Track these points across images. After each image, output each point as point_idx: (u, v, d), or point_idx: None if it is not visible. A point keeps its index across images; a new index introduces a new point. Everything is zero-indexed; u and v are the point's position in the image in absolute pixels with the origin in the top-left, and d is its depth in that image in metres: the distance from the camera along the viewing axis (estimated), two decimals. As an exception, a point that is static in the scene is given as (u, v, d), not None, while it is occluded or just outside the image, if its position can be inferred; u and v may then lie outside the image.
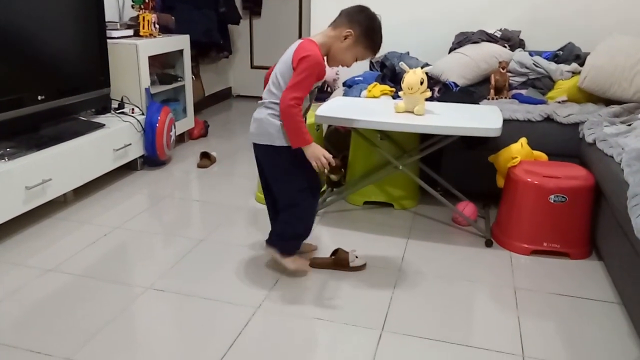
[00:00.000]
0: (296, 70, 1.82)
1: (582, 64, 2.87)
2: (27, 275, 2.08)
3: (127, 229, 2.50)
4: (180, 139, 3.87)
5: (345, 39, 1.90)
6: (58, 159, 2.58)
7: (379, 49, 1.99)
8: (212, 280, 2.08)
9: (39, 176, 2.45)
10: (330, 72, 3.48)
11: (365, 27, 1.91)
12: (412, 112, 2.37)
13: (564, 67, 2.94)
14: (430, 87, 2.93)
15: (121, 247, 2.35)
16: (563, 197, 2.19)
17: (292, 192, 1.98)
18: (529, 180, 2.26)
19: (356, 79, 3.19)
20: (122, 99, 3.30)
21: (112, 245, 2.35)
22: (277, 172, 2.00)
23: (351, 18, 1.90)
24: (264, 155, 1.99)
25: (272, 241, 2.10)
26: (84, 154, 2.76)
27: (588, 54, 2.87)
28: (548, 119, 2.61)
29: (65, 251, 2.27)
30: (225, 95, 5.48)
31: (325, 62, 1.94)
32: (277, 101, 1.87)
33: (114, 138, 2.99)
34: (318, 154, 1.87)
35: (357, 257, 2.15)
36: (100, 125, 2.97)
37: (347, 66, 1.99)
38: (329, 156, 1.89)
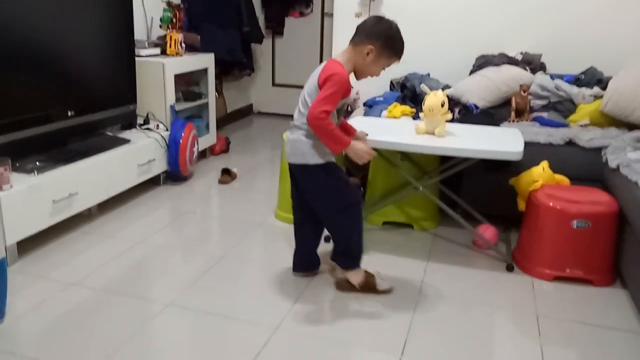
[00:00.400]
0: (323, 87, 1.87)
1: (604, 88, 2.86)
2: (50, 288, 2.12)
3: (149, 244, 2.54)
4: (202, 154, 3.92)
5: (367, 54, 1.93)
6: (84, 174, 2.64)
7: (402, 53, 2.00)
8: (231, 298, 2.09)
9: (65, 190, 2.50)
10: (350, 92, 3.50)
11: (384, 39, 1.93)
12: (432, 133, 2.38)
13: (586, 91, 2.92)
14: (451, 108, 2.94)
15: (143, 262, 2.38)
16: (586, 222, 2.17)
17: (333, 213, 2.05)
18: (551, 204, 2.24)
19: (377, 99, 3.21)
20: (147, 115, 3.37)
21: (134, 259, 2.39)
22: (316, 191, 2.04)
23: (369, 33, 1.92)
24: (301, 174, 2.03)
25: (340, 260, 2.16)
26: (110, 168, 2.81)
27: (610, 77, 2.87)
28: (570, 143, 2.60)
29: (88, 265, 2.31)
30: (246, 112, 5.55)
31: (354, 77, 1.99)
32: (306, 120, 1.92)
33: (139, 153, 3.05)
34: (359, 153, 1.95)
35: (382, 279, 2.15)
36: (126, 141, 3.03)
37: (377, 76, 2.03)
38: (371, 151, 1.97)
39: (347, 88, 1.92)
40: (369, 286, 2.12)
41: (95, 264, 2.32)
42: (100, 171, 2.75)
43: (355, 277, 2.12)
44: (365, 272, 2.14)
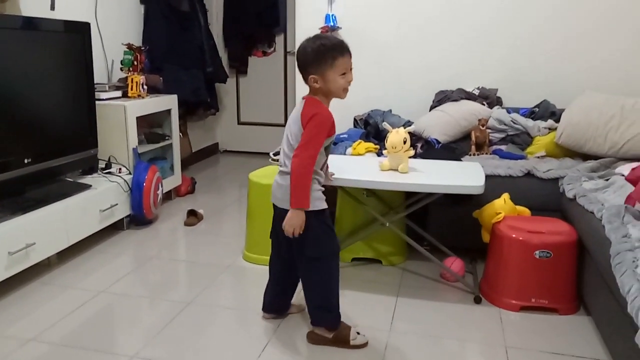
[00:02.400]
0: (306, 128, 1.85)
1: (557, 120, 2.97)
2: (5, 346, 2.01)
3: (112, 293, 2.46)
4: (167, 196, 3.87)
5: (317, 82, 1.88)
6: (43, 222, 2.56)
7: (340, 48, 1.90)
8: (199, 346, 2.04)
9: (22, 241, 2.42)
10: (335, 129, 3.54)
11: (312, 61, 1.87)
12: (396, 170, 2.42)
13: (541, 124, 3.04)
14: (413, 143, 3.01)
15: (105, 312, 2.30)
16: (548, 252, 2.22)
17: (316, 260, 1.97)
18: (514, 236, 2.29)
19: (341, 136, 3.25)
20: (109, 159, 3.31)
21: (96, 310, 2.31)
22: (303, 238, 1.91)
23: (302, 67, 1.91)
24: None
25: (314, 320, 2.07)
26: (70, 216, 2.74)
27: (563, 110, 2.99)
28: (529, 174, 2.67)
29: (47, 318, 2.22)
30: (212, 150, 5.53)
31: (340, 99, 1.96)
32: None
33: (101, 199, 2.99)
34: (299, 224, 1.87)
35: (358, 333, 2.05)
36: (87, 186, 2.97)
37: (350, 80, 1.93)
38: (301, 226, 1.88)
39: (331, 125, 1.90)
40: (343, 339, 2.03)
41: (54, 317, 2.23)
42: (59, 219, 2.67)
43: (338, 335, 2.03)
44: (342, 322, 2.07)
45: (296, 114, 1.91)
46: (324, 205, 1.96)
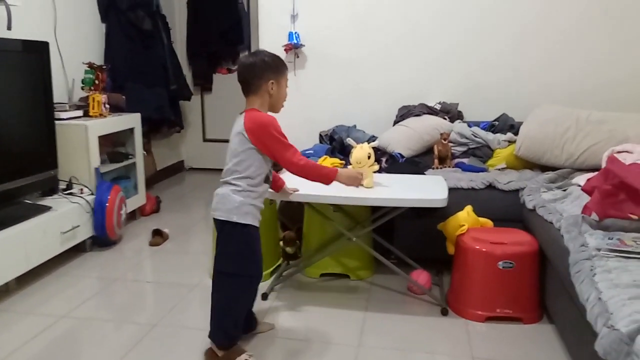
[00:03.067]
0: (268, 139, 1.90)
1: (516, 133, 3.06)
2: (-36, 376, 1.94)
3: (75, 318, 2.39)
4: (132, 216, 3.80)
5: (272, 89, 1.96)
6: (1, 247, 2.48)
7: (285, 66, 2.03)
8: (166, 369, 2.00)
9: (-21, 266, 2.34)
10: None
11: (273, 67, 1.97)
12: (362, 185, 2.44)
13: (501, 137, 3.12)
14: (378, 158, 3.04)
15: (68, 337, 2.23)
16: (511, 263, 2.27)
17: (226, 275, 1.99)
18: (477, 247, 2.34)
19: (307, 152, 3.27)
20: (70, 179, 3.24)
21: (56, 336, 2.23)
22: (223, 248, 1.99)
23: (260, 74, 1.94)
24: (220, 230, 1.98)
25: (211, 333, 2.06)
26: (29, 239, 2.66)
27: (521, 123, 3.08)
28: (490, 187, 2.74)
29: (6, 347, 2.14)
30: (177, 168, 5.46)
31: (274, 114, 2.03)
32: (240, 176, 1.93)
33: (62, 220, 2.91)
34: (352, 177, 2.07)
35: (250, 355, 2.02)
36: (47, 208, 2.89)
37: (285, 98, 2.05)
38: (354, 172, 2.08)
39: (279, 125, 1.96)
40: None
41: (13, 345, 2.15)
42: (18, 242, 2.59)
43: (231, 356, 2.01)
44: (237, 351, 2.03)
45: (238, 127, 1.94)
46: (254, 223, 1.96)
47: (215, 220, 1.98)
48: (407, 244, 2.78)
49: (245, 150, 1.92)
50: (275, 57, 2.00)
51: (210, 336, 2.05)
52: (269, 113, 2.00)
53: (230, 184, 1.94)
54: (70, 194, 3.17)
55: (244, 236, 1.95)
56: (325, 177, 2.03)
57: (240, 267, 1.98)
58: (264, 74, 1.94)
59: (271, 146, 1.92)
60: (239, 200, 1.92)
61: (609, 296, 1.50)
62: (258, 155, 1.93)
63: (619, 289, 1.52)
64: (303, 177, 2.00)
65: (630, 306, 1.41)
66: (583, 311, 1.69)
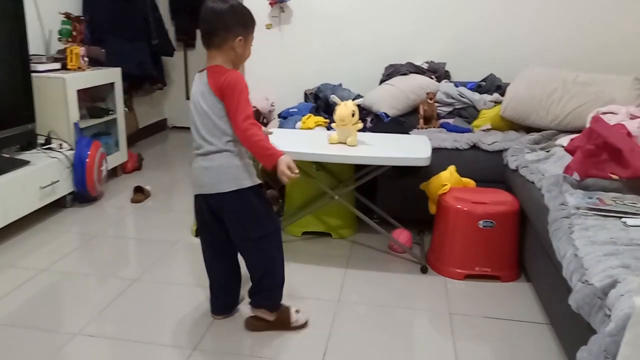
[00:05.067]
0: (229, 95, 1.71)
1: (503, 94, 3.04)
2: (-59, 328, 1.92)
3: (55, 271, 2.38)
4: (113, 173, 3.75)
5: (238, 47, 1.76)
6: (-23, 200, 2.44)
7: (253, 21, 1.82)
8: (145, 322, 2.00)
9: (-45, 219, 2.30)
10: (265, 104, 3.50)
11: (242, 22, 1.77)
12: (345, 143, 2.42)
13: (487, 97, 3.10)
14: (363, 117, 3.01)
15: (48, 291, 2.22)
16: (491, 222, 2.29)
17: (260, 239, 1.86)
18: (459, 206, 2.34)
19: (291, 110, 3.22)
20: (49, 134, 3.17)
21: (37, 289, 2.22)
22: (245, 217, 1.82)
23: (227, 27, 1.73)
24: (229, 203, 1.80)
25: (257, 301, 1.95)
26: (7, 193, 2.61)
27: (508, 84, 3.06)
28: (474, 147, 2.73)
29: (-15, 299, 2.13)
30: (160, 127, 5.38)
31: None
32: (230, 139, 1.77)
33: (40, 175, 2.86)
34: (288, 167, 1.73)
35: (297, 311, 1.99)
36: (25, 162, 2.84)
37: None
38: (293, 165, 1.75)
39: (244, 82, 1.75)
40: (284, 321, 1.95)
41: (-8, 297, 2.14)
42: (-5, 196, 2.54)
43: (280, 316, 1.96)
44: (281, 304, 1.97)
45: (203, 88, 1.75)
46: (258, 180, 1.85)
47: (219, 194, 1.79)
48: (389, 204, 2.78)
49: (217, 110, 1.74)
50: (245, 9, 1.79)
51: (255, 304, 1.95)
52: None
53: (224, 150, 1.77)
54: (49, 148, 3.11)
55: (259, 196, 1.84)
56: (267, 155, 1.74)
57: (268, 226, 1.87)
58: (232, 28, 1.73)
59: (235, 106, 1.70)
60: (241, 164, 1.79)
61: (585, 252, 1.52)
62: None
63: (596, 246, 1.54)
64: (247, 144, 1.75)
65: (605, 262, 1.43)
66: (560, 268, 1.72)
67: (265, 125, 3.47)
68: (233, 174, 1.78)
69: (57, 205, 3.09)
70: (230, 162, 1.78)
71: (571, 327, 1.64)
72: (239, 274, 2.02)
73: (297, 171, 1.75)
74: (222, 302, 2.04)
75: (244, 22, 1.78)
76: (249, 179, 1.80)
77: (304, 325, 1.98)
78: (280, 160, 1.73)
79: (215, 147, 1.77)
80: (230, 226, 1.86)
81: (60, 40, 3.36)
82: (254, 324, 1.97)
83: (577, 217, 1.75)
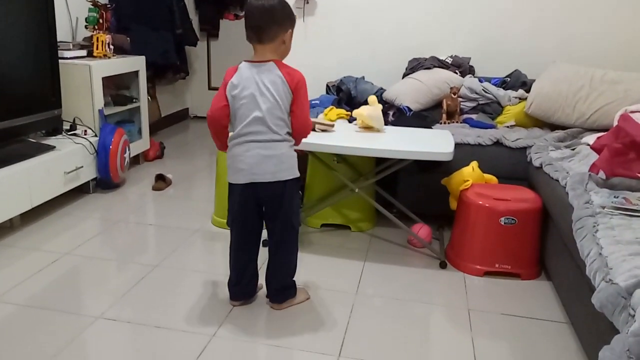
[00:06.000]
0: (300, 93, 1.83)
1: (528, 91, 3.00)
2: (-32, 306, 1.97)
3: (77, 255, 2.42)
4: (135, 160, 3.79)
5: (287, 40, 1.85)
6: (4, 183, 2.48)
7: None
8: (165, 308, 2.03)
9: (-17, 201, 2.35)
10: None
11: (292, 15, 1.86)
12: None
13: (512, 93, 3.06)
14: (385, 111, 3.00)
15: (70, 274, 2.27)
16: (513, 219, 2.26)
17: (295, 230, 1.97)
18: (481, 203, 2.32)
19: (313, 102, 3.21)
20: (74, 120, 3.22)
21: (60, 272, 2.27)
22: (294, 207, 1.94)
23: (280, 21, 1.80)
24: (283, 190, 1.87)
25: (283, 296, 2.04)
26: (33, 177, 2.66)
27: (533, 80, 3.01)
28: (497, 143, 2.70)
29: (10, 280, 2.17)
30: (182, 116, 5.43)
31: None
32: (289, 130, 1.86)
33: (65, 160, 2.91)
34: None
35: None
36: (51, 148, 2.89)
37: None
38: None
39: None
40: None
41: (18, 278, 2.19)
42: (22, 180, 2.59)
43: (299, 297, 2.08)
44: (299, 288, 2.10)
45: (276, 79, 1.80)
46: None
47: (278, 182, 1.85)
48: (409, 198, 2.77)
49: (287, 102, 1.82)
50: (288, 4, 1.86)
51: (281, 300, 2.04)
52: None
53: (285, 140, 1.85)
54: (74, 134, 3.16)
55: (297, 188, 1.96)
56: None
57: (299, 217, 2.00)
58: (284, 21, 1.81)
59: (303, 103, 1.85)
60: (295, 156, 1.91)
61: (610, 252, 1.50)
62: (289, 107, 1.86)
63: (621, 245, 1.51)
64: (297, 136, 1.90)
65: (631, 262, 1.41)
66: (582, 267, 1.69)
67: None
68: (292, 164, 1.88)
69: (81, 191, 3.14)
70: (290, 152, 1.88)
71: (592, 327, 1.62)
72: (257, 264, 2.06)
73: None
74: (242, 290, 2.06)
75: (291, 15, 1.86)
76: (297, 170, 1.91)
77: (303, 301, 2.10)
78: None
79: (280, 137, 1.84)
80: (279, 214, 1.91)
81: (87, 28, 3.40)
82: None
83: (602, 216, 1.72)
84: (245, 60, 1.86)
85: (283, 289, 2.04)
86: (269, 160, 1.83)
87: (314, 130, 2.49)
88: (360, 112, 2.52)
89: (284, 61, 1.88)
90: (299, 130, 1.88)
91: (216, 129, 1.91)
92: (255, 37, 1.82)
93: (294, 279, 2.05)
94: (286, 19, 1.82)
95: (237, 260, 2.01)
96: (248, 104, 1.81)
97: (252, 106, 1.81)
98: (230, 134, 1.91)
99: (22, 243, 2.52)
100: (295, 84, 1.81)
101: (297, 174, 1.90)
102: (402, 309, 2.08)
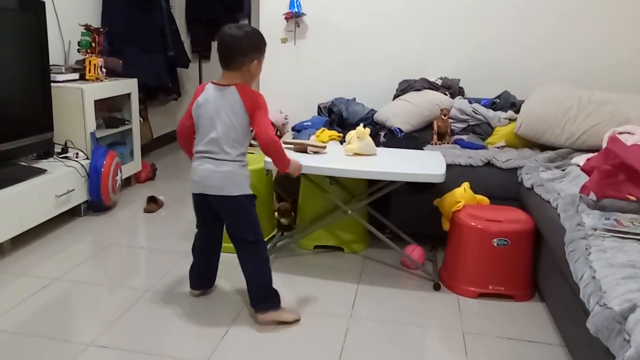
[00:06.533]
0: (259, 108, 1.94)
1: (517, 111, 3.03)
2: (-44, 334, 1.94)
3: (68, 280, 2.39)
4: (127, 182, 3.78)
5: (253, 69, 1.96)
6: (-6, 208, 2.46)
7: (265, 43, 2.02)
8: (157, 334, 2.00)
9: (-28, 226, 2.32)
10: (279, 117, 3.52)
11: (259, 47, 1.97)
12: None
13: (501, 114, 3.09)
14: (376, 132, 3.03)
15: (61, 300, 2.24)
16: (506, 240, 2.27)
17: (255, 243, 2.06)
18: (473, 224, 2.33)
19: (305, 124, 3.24)
20: (65, 143, 3.21)
21: (50, 298, 2.24)
22: (244, 219, 2.04)
23: (245, 52, 1.92)
24: (231, 205, 2.01)
25: (261, 305, 2.08)
26: (24, 201, 2.64)
27: (523, 101, 3.05)
28: (488, 164, 2.73)
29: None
30: (174, 137, 5.39)
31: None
32: (242, 151, 2.00)
33: (56, 183, 2.89)
34: (297, 167, 2.14)
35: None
36: (42, 171, 2.87)
37: None
38: (300, 168, 2.14)
39: None
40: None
41: (6, 305, 2.15)
42: (12, 204, 2.57)
43: (285, 314, 2.10)
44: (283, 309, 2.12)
45: (233, 102, 1.93)
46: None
47: (223, 197, 1.99)
48: (402, 219, 2.78)
49: (244, 125, 1.96)
50: (260, 35, 1.98)
51: (260, 310, 2.08)
52: None
53: (236, 160, 1.98)
54: (66, 157, 3.14)
55: (253, 205, 2.05)
56: (285, 160, 2.06)
57: (258, 232, 2.07)
58: (249, 52, 1.93)
59: (263, 120, 1.95)
60: (246, 175, 2.02)
61: (603, 275, 1.50)
62: (249, 128, 1.99)
63: (614, 269, 1.52)
64: (266, 152, 2.02)
65: (624, 285, 1.41)
66: (576, 290, 1.70)
67: (279, 138, 3.49)
68: (240, 181, 2.00)
69: (72, 214, 3.12)
70: (240, 171, 2.00)
71: (588, 350, 1.62)
72: (217, 258, 2.27)
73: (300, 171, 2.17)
74: (201, 281, 2.29)
75: (258, 46, 1.97)
76: (249, 188, 2.03)
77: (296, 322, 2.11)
78: (292, 162, 2.09)
79: (230, 157, 1.97)
80: (231, 228, 2.09)
81: (79, 52, 3.41)
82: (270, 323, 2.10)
83: (595, 238, 1.73)
84: (212, 82, 2.01)
85: (258, 299, 2.09)
86: (216, 175, 1.97)
87: (305, 152, 2.51)
88: (352, 147, 2.51)
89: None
90: (265, 146, 1.98)
91: (183, 144, 2.14)
92: (222, 64, 1.98)
93: (271, 291, 2.09)
94: (253, 51, 1.94)
95: (199, 258, 2.24)
96: (207, 126, 1.97)
97: (210, 128, 1.96)
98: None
99: (11, 268, 2.49)
100: (252, 106, 1.93)
101: (248, 192, 2.01)
102: (397, 333, 2.07)
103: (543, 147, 2.92)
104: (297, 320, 2.10)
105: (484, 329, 2.11)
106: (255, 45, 1.95)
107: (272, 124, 3.43)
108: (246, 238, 2.05)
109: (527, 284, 2.36)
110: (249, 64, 1.94)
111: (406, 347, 1.97)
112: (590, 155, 2.42)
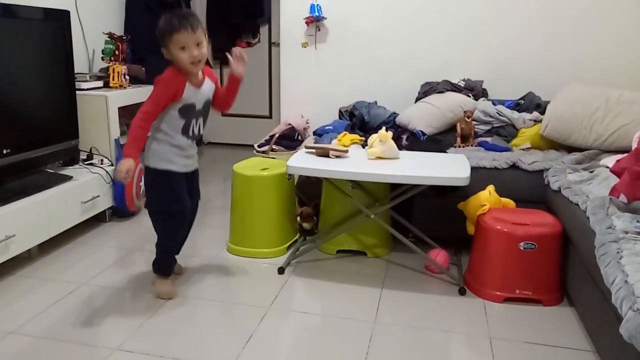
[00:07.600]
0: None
1: (542, 112, 2.98)
2: (-14, 339, 1.97)
3: (94, 285, 2.42)
4: (150, 188, 3.81)
5: (167, 55, 2.13)
6: (22, 214, 2.51)
7: (172, 27, 2.07)
8: (182, 338, 2.01)
9: (2, 232, 2.36)
10: (300, 121, 3.53)
11: (163, 36, 2.08)
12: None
13: (526, 116, 3.04)
14: (399, 135, 3.00)
15: (87, 305, 2.26)
16: (532, 244, 2.23)
17: (152, 213, 2.33)
18: (499, 227, 2.29)
19: (326, 128, 3.23)
20: (90, 150, 3.25)
21: (77, 303, 2.26)
22: (148, 189, 2.30)
23: (160, 42, 2.11)
24: (146, 174, 2.25)
25: (153, 266, 2.40)
26: (50, 207, 2.69)
27: (548, 102, 3.00)
28: (514, 167, 2.68)
29: (27, 311, 2.17)
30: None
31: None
32: (157, 127, 2.19)
33: (82, 190, 2.93)
34: (122, 169, 2.06)
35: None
36: (68, 178, 2.92)
37: (189, 57, 2.08)
38: (123, 175, 2.05)
39: (175, 90, 2.12)
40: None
41: (34, 310, 2.19)
42: (40, 210, 2.62)
43: (158, 286, 2.33)
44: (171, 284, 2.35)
45: None
46: (169, 167, 2.18)
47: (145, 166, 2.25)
48: (425, 223, 2.75)
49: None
50: (161, 25, 2.07)
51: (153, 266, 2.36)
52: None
53: (150, 137, 2.21)
54: (91, 164, 3.19)
55: (158, 179, 2.20)
56: (129, 146, 2.10)
57: (159, 206, 2.26)
58: (161, 41, 2.10)
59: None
60: (152, 148, 2.20)
61: (636, 279, 1.46)
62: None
63: (647, 273, 1.48)
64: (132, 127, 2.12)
65: (659, 290, 1.37)
66: (607, 294, 1.65)
67: (300, 142, 3.49)
68: (149, 155, 2.23)
69: (97, 220, 3.16)
70: (150, 145, 2.21)
71: (621, 357, 1.58)
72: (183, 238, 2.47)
73: (123, 177, 2.07)
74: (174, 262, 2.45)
75: (161, 36, 2.10)
76: (153, 161, 2.20)
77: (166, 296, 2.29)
78: (126, 159, 2.06)
79: (150, 133, 2.19)
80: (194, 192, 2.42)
81: (103, 60, 3.47)
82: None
83: (626, 241, 1.68)
84: None
85: (154, 261, 2.36)
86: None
87: (328, 156, 2.49)
88: (374, 151, 2.49)
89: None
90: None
91: None
92: None
93: (161, 260, 2.34)
94: (161, 41, 2.10)
95: (177, 237, 2.41)
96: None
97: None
98: None
99: (39, 274, 2.53)
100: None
101: (154, 165, 2.17)
102: (422, 338, 2.04)
103: (570, 149, 2.86)
104: (168, 299, 2.28)
105: (511, 334, 2.06)
106: (159, 35, 2.09)
107: (293, 128, 3.44)
108: (147, 208, 2.33)
109: (555, 288, 2.31)
110: (166, 51, 2.10)
111: (432, 353, 1.94)
112: (620, 156, 2.37)
